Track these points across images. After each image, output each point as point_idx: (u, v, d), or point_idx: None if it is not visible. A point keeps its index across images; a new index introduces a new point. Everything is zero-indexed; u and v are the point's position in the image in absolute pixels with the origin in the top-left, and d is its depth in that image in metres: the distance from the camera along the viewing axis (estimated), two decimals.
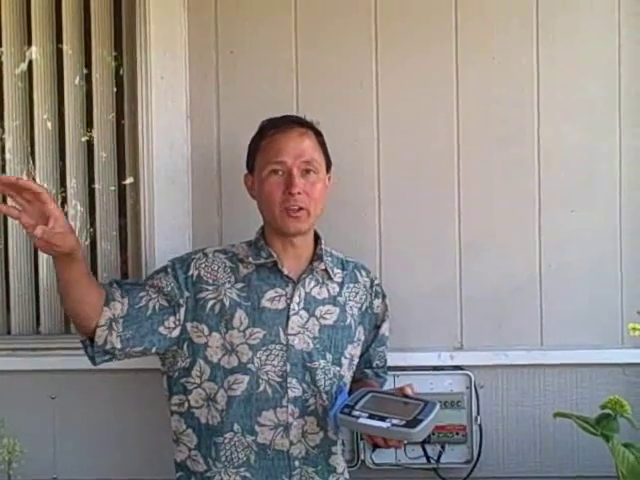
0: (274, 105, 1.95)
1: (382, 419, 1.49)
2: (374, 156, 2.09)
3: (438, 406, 1.54)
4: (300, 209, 1.66)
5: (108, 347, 1.59)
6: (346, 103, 2.08)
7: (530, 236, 2.08)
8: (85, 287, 1.54)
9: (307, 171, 1.69)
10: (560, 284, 2.08)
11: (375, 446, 1.65)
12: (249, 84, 2.09)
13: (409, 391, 1.60)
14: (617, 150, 2.07)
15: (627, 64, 2.07)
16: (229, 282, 1.70)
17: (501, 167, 2.08)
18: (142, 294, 1.65)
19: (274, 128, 1.71)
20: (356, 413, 1.52)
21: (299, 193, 1.65)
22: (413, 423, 1.47)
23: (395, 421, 1.48)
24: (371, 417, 1.50)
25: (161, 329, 1.65)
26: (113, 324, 1.58)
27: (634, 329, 1.69)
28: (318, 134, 1.75)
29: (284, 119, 1.74)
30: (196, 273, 1.70)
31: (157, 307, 1.65)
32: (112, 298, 1.60)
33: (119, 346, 1.59)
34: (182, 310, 1.67)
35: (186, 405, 1.69)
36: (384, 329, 1.88)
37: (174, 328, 1.66)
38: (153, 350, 1.66)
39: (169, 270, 1.71)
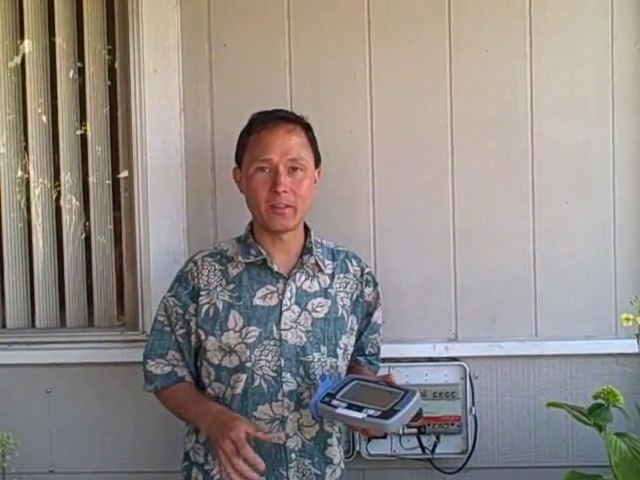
0: (268, 97, 1.95)
1: (359, 409, 1.47)
2: (368, 147, 2.09)
3: (418, 395, 1.52)
4: (287, 207, 1.66)
5: None
6: (339, 94, 2.08)
7: (524, 227, 2.08)
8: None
9: (294, 169, 1.67)
10: (554, 275, 2.08)
11: (369, 437, 1.65)
12: (242, 77, 2.08)
13: (393, 379, 1.60)
14: (610, 141, 2.07)
15: (620, 55, 2.07)
16: (220, 285, 1.70)
17: (495, 158, 2.08)
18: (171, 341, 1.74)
19: (261, 124, 1.69)
20: (335, 402, 1.51)
21: (285, 191, 1.65)
22: (389, 414, 1.45)
23: (371, 412, 1.46)
24: (349, 407, 1.49)
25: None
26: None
27: (627, 319, 1.70)
28: (307, 129, 1.74)
29: (272, 114, 1.72)
30: (192, 284, 1.72)
31: (180, 338, 1.72)
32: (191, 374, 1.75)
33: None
34: (193, 322, 1.70)
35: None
36: (376, 317, 1.86)
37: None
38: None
39: (170, 300, 1.74)
